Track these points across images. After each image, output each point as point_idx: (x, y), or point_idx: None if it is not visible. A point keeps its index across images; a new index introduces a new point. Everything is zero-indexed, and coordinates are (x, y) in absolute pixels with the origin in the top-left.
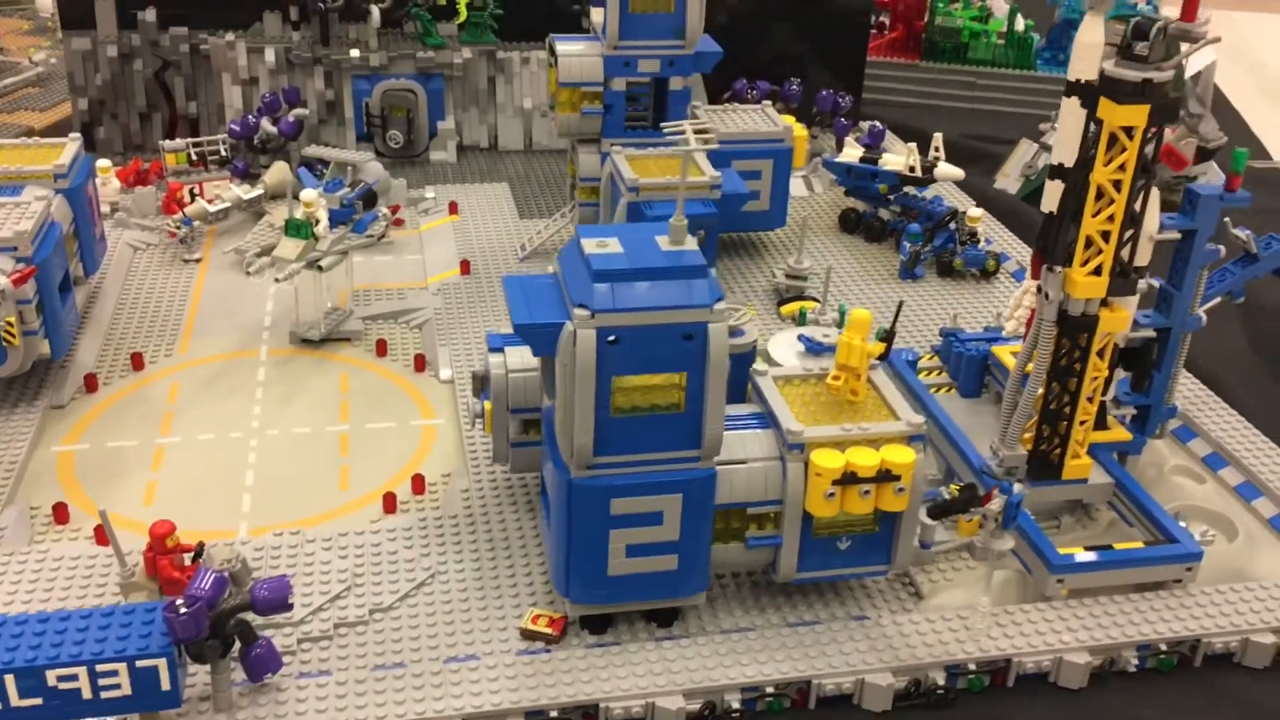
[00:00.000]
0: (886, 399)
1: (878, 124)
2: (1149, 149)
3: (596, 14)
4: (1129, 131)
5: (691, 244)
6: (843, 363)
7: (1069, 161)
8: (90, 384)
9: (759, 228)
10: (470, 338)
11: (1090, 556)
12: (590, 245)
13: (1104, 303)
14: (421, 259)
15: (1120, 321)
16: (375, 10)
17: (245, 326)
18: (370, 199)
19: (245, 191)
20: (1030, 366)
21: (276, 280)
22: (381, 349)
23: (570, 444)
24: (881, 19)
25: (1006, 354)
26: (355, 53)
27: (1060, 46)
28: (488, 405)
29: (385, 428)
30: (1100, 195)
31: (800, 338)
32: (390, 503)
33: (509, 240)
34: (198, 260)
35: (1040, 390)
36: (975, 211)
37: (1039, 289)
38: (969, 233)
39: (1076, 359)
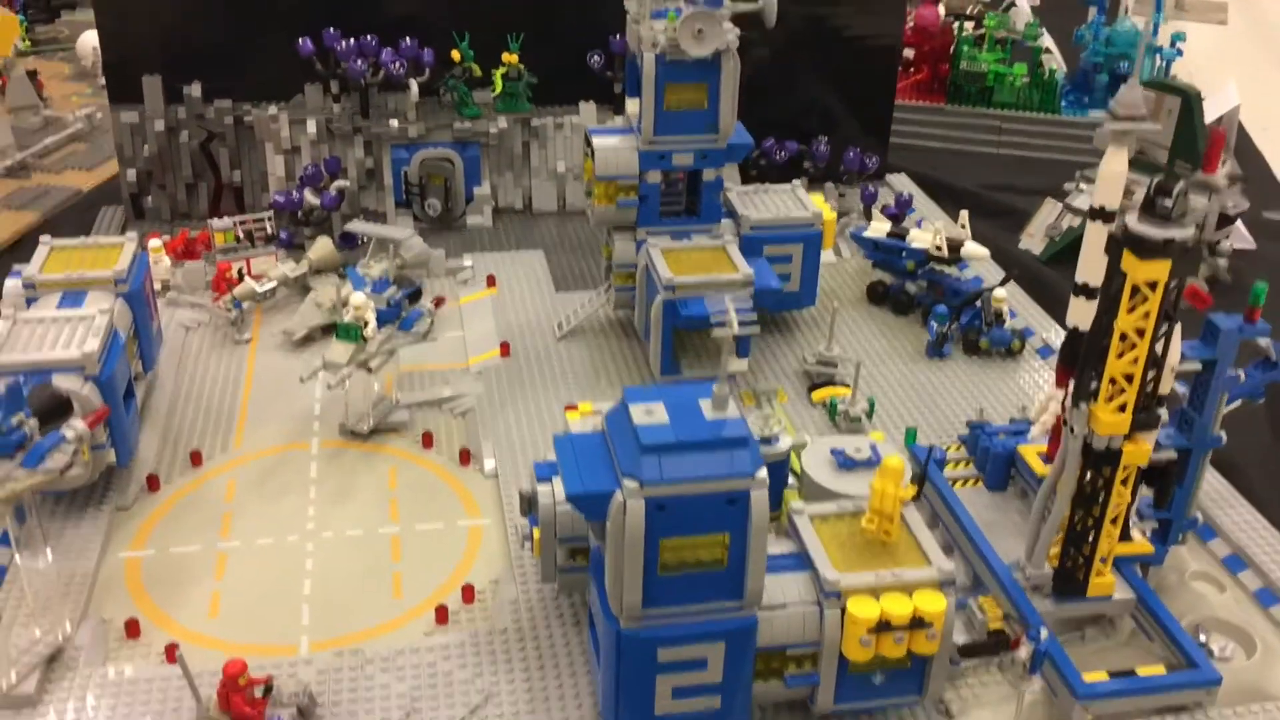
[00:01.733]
0: (919, 541)
1: (905, 193)
2: (1171, 297)
3: (632, 105)
4: (1152, 284)
5: (734, 411)
6: (876, 508)
7: (1094, 281)
8: (152, 484)
9: (789, 307)
10: (512, 428)
11: (1115, 685)
12: (638, 414)
13: (1128, 437)
14: (462, 336)
15: (1142, 454)
16: (414, 84)
17: (296, 416)
18: (416, 295)
19: (290, 269)
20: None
21: (329, 387)
22: (428, 441)
23: (620, 601)
24: (906, 53)
25: (1033, 454)
26: (394, 123)
27: (1085, 89)
28: (536, 532)
29: (433, 529)
30: (1124, 338)
31: (833, 452)
32: (442, 615)
33: (547, 317)
34: (248, 341)
35: (1065, 513)
36: (1001, 292)
37: (1065, 422)
38: (995, 313)
39: (1101, 487)
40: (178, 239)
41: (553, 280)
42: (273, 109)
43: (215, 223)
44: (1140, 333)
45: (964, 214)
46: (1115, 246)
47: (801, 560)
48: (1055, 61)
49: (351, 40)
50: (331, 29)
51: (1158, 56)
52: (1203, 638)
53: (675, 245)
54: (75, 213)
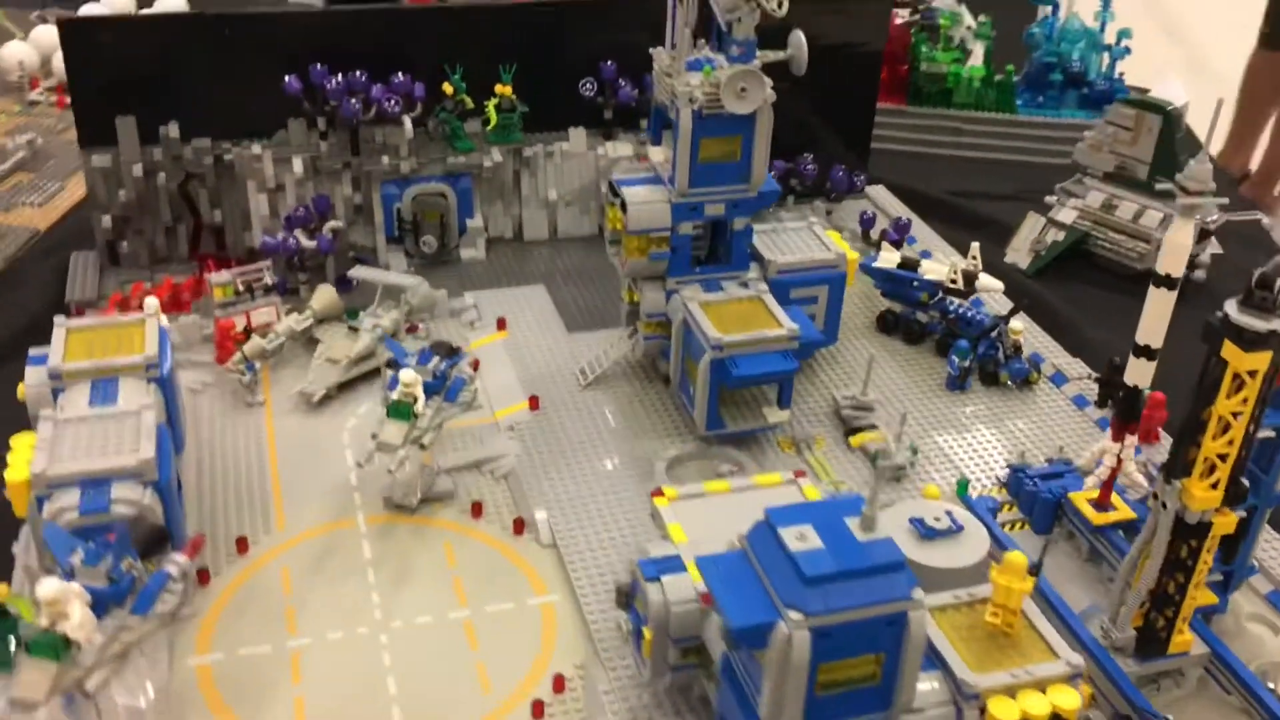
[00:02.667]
0: (1042, 633)
1: (902, 217)
2: (1269, 383)
3: (655, 152)
4: (1252, 373)
5: (884, 531)
6: (1001, 604)
7: (1154, 343)
8: (203, 578)
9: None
10: (560, 492)
11: None
12: (790, 538)
13: (1217, 510)
14: (482, 387)
15: (1230, 524)
16: (408, 121)
17: (334, 488)
18: (456, 362)
19: (296, 322)
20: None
21: (390, 471)
22: (477, 511)
23: None
24: None
25: (1084, 502)
26: (386, 159)
27: (1040, 88)
28: (648, 632)
29: (505, 610)
30: (1220, 421)
31: (912, 521)
32: (539, 710)
33: (566, 362)
34: (261, 403)
35: (1153, 582)
36: (1017, 324)
37: (1154, 496)
38: (1013, 345)
39: (1187, 556)
40: (162, 287)
41: (562, 320)
42: (256, 147)
43: (214, 277)
44: (1237, 415)
45: (975, 246)
46: (1216, 336)
47: (931, 659)
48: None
49: (340, 77)
50: (318, 65)
51: (1105, 55)
52: (1271, 685)
53: (712, 298)
54: (39, 258)
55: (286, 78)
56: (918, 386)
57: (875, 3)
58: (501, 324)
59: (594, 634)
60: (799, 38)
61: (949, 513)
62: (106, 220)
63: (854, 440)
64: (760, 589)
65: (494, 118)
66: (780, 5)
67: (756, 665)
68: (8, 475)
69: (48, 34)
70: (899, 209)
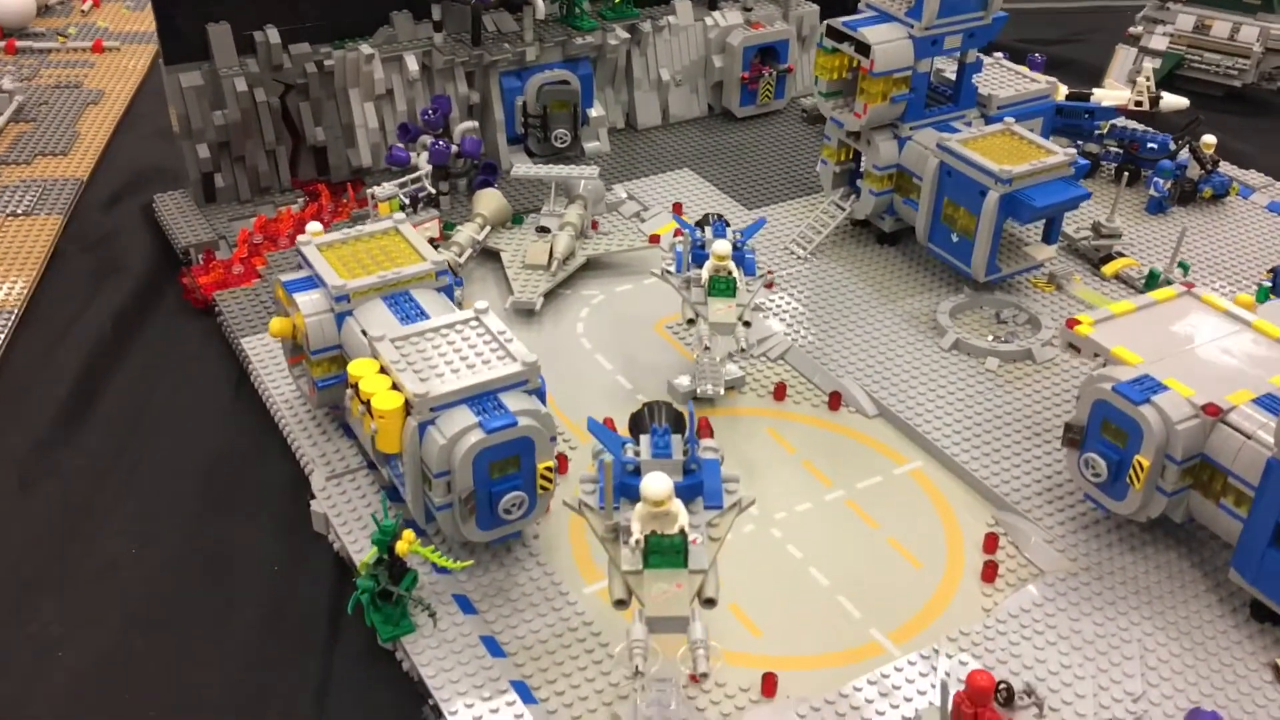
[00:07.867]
0: None
1: (1036, 55)
2: None
3: None
4: None
5: None
6: None
7: None
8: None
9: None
10: (853, 360)
11: None
12: None
13: None
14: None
15: None
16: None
17: (610, 394)
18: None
19: (477, 231)
20: None
21: (743, 349)
22: (780, 393)
23: None
24: None
25: None
26: (508, 47)
27: None
28: (1143, 460)
29: (876, 484)
30: None
31: None
32: (991, 573)
33: (765, 239)
34: None
35: None
36: (1209, 138)
37: None
38: (1213, 160)
39: None
40: (283, 219)
41: (732, 199)
42: (366, 49)
43: (378, 191)
44: None
45: (1148, 66)
46: None
47: None
48: None
49: None
50: None
51: None
52: None
53: (965, 135)
54: (100, 209)
55: None
56: (1120, 213)
57: None
58: (678, 209)
59: (993, 490)
60: None
61: None
62: (204, 150)
63: (1107, 269)
64: None
65: None
66: None
67: None
68: (377, 404)
69: None
70: None
